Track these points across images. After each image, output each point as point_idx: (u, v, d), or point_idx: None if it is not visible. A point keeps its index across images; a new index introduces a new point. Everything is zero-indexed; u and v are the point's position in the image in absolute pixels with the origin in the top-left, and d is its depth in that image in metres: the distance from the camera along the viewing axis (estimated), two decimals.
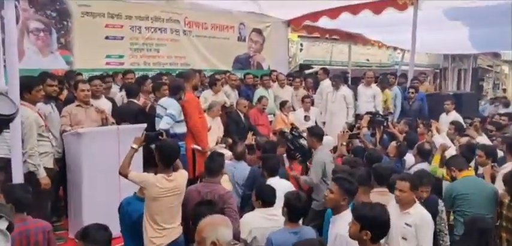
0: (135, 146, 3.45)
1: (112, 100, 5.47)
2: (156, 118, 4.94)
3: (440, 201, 3.85)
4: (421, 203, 3.61)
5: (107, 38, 7.01)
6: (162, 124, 4.73)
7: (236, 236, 3.26)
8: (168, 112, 4.82)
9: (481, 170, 4.72)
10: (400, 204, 3.40)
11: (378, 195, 3.79)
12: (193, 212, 3.09)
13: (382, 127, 6.50)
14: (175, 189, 3.30)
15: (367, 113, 6.60)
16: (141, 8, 7.38)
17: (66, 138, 4.45)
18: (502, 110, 10.61)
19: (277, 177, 4.10)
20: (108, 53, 7.05)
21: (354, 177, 3.49)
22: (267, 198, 3.43)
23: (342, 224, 2.93)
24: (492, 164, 4.61)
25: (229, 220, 2.37)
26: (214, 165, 3.60)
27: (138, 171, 3.47)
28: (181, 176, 3.42)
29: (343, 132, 5.46)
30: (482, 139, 5.64)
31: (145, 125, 4.37)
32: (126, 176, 3.28)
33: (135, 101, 5.32)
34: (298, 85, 8.34)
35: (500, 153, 4.88)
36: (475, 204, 3.91)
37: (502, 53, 24.82)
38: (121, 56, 7.21)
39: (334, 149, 5.62)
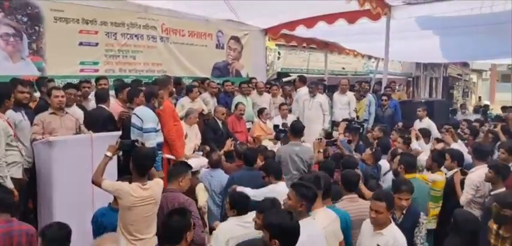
0: (109, 154, 3.39)
1: (83, 108, 5.33)
2: (132, 127, 4.78)
3: (422, 213, 3.74)
4: (402, 213, 3.63)
5: (80, 44, 6.84)
6: (149, 143, 4.51)
7: (200, 242, 3.30)
8: (148, 127, 4.66)
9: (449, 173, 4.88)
10: (375, 224, 3.29)
11: (348, 201, 3.84)
12: (163, 223, 3.04)
13: (358, 134, 6.64)
14: (150, 198, 3.24)
15: (344, 120, 6.72)
16: (116, 14, 7.26)
17: (36, 147, 4.30)
18: (473, 116, 11.03)
19: (283, 183, 4.07)
20: (82, 59, 6.89)
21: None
22: (241, 206, 3.41)
23: (302, 233, 2.86)
24: (458, 168, 4.80)
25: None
26: (175, 171, 3.61)
27: (112, 180, 3.40)
28: (157, 184, 3.37)
29: (320, 139, 5.52)
30: (457, 145, 5.80)
31: (119, 133, 4.30)
32: (99, 185, 3.21)
33: (105, 106, 5.20)
34: (276, 92, 8.41)
35: None
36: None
37: (471, 63, 25.80)
38: (95, 63, 7.05)
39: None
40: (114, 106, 5.37)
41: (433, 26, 8.98)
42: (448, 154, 4.95)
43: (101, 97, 5.27)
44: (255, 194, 3.89)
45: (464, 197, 4.48)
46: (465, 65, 25.91)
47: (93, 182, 3.26)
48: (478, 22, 7.97)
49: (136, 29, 7.59)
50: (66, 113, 4.63)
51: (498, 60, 18.65)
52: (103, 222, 3.39)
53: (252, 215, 3.30)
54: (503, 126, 6.37)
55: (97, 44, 7.06)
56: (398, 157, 4.71)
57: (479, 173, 4.45)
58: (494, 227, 3.37)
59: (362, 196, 4.12)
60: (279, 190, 3.78)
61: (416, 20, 8.45)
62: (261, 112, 7.35)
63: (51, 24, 6.43)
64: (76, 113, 4.94)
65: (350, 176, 4.02)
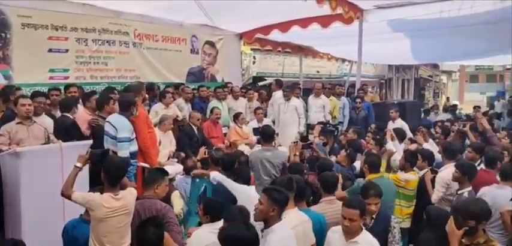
0: (79, 164, 3.30)
1: (53, 117, 5.17)
2: (105, 136, 4.64)
3: (393, 217, 3.76)
4: (372, 218, 3.60)
5: (50, 50, 6.64)
6: (122, 153, 4.44)
7: None
8: (122, 136, 4.53)
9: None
10: (347, 233, 3.14)
11: (326, 203, 3.87)
12: (138, 235, 2.99)
13: (333, 136, 6.72)
14: (123, 208, 3.18)
15: (319, 123, 6.78)
16: (87, 19, 7.09)
17: (2, 158, 4.08)
18: (444, 116, 11.36)
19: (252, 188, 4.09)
20: (52, 66, 6.69)
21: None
22: (214, 213, 3.36)
23: (273, 238, 2.90)
24: (429, 167, 4.93)
25: None
26: (150, 178, 3.57)
27: (83, 191, 3.32)
28: (130, 194, 3.30)
29: (296, 142, 5.55)
30: (428, 145, 5.95)
31: (90, 142, 4.19)
32: (69, 198, 3.12)
33: (69, 115, 5.05)
34: (252, 97, 8.42)
35: None
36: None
37: (440, 64, 26.60)
38: (66, 70, 6.86)
39: (288, 159, 5.71)
40: (82, 115, 5.20)
41: (404, 29, 9.23)
42: (419, 154, 5.08)
43: (64, 105, 5.14)
44: (233, 187, 3.96)
45: (435, 195, 4.60)
46: (435, 66, 26.72)
47: (62, 195, 3.17)
48: (447, 24, 8.25)
49: (108, 35, 7.44)
50: (34, 122, 4.48)
51: (466, 61, 19.32)
52: (74, 235, 3.28)
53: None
54: (471, 125, 6.57)
55: (67, 51, 6.87)
56: (363, 157, 4.81)
57: (448, 171, 4.56)
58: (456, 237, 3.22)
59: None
60: (250, 193, 3.80)
61: (388, 23, 8.68)
62: (237, 117, 7.33)
63: (18, 31, 6.22)
64: (45, 122, 4.78)
65: (329, 178, 4.06)
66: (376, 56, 14.17)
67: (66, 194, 3.14)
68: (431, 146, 5.95)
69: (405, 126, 7.46)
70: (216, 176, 4.19)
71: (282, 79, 10.80)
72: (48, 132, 4.51)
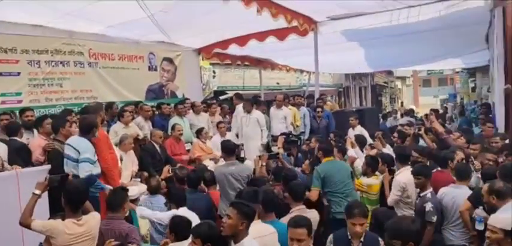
0: (37, 191, 3.20)
1: (7, 142, 4.95)
2: (66, 160, 4.47)
3: (380, 239, 3.37)
4: (360, 241, 3.33)
5: (0, 74, 6.39)
6: (82, 173, 4.29)
7: None
8: (84, 157, 4.37)
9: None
10: None
11: (297, 212, 3.95)
12: None
13: (296, 146, 6.86)
14: (86, 234, 3.12)
15: (282, 134, 6.89)
16: (39, 40, 6.86)
17: None
18: (402, 120, 11.85)
19: (185, 208, 4.05)
20: (3, 90, 6.41)
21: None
22: (181, 232, 3.35)
23: None
24: (389, 169, 5.13)
25: None
26: (115, 200, 3.49)
27: (43, 219, 3.21)
28: (93, 218, 3.24)
29: (261, 155, 5.62)
30: (386, 150, 6.16)
31: (48, 167, 4.06)
32: (28, 227, 3.02)
33: (17, 138, 4.92)
34: (214, 111, 8.44)
35: None
36: (337, 180, 4.72)
37: (394, 71, 27.81)
38: (18, 94, 6.60)
39: (253, 172, 5.77)
40: (37, 141, 5.03)
41: (357, 38, 9.55)
42: (380, 158, 5.30)
43: (10, 129, 5.01)
44: (160, 218, 3.96)
45: (390, 198, 4.79)
46: (390, 73, 27.91)
47: (21, 224, 3.05)
48: (398, 32, 8.65)
49: (62, 56, 7.24)
50: None
51: (418, 66, 20.21)
52: None
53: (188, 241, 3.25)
54: (426, 128, 6.85)
55: (19, 74, 6.63)
56: (316, 146, 5.16)
57: (404, 174, 4.76)
58: None
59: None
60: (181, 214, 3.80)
61: (342, 33, 8.97)
62: (200, 132, 7.32)
63: None
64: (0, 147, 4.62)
65: (296, 187, 4.17)
66: (332, 66, 14.63)
67: (25, 224, 3.03)
68: (389, 150, 6.16)
69: (365, 133, 7.69)
70: (142, 211, 4.16)
71: (243, 92, 10.89)
72: (2, 160, 4.32)
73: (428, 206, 4.07)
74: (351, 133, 7.57)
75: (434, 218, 4.05)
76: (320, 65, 9.25)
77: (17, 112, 5.94)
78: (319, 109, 8.70)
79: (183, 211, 3.94)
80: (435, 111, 13.23)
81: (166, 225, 3.73)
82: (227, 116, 8.69)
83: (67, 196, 3.15)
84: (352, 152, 5.94)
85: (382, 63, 15.35)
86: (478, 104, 14.84)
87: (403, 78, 38.16)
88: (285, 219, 3.90)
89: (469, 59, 13.73)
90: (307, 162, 5.79)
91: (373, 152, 6.14)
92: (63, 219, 3.09)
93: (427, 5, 7.48)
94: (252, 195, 3.51)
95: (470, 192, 4.13)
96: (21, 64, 6.66)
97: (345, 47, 10.08)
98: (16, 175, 3.97)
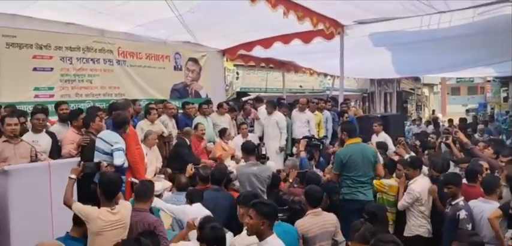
0: (73, 176, 3.45)
1: (52, 135, 5.23)
2: (96, 152, 4.68)
3: None
4: None
5: (34, 69, 6.67)
6: (118, 160, 4.54)
7: None
8: (117, 147, 4.60)
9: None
10: None
11: (313, 216, 4.02)
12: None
13: (318, 150, 6.83)
14: (119, 222, 3.29)
15: (304, 137, 6.88)
16: (71, 38, 7.13)
17: None
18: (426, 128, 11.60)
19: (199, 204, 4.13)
20: (37, 85, 6.70)
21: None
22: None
23: None
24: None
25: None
26: (144, 191, 3.64)
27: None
28: (125, 207, 3.41)
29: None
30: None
31: (78, 159, 4.23)
32: (70, 206, 3.25)
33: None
34: (223, 112, 8.44)
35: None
36: (359, 166, 4.70)
37: (422, 77, 27.21)
38: (51, 88, 6.88)
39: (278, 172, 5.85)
40: (70, 135, 5.25)
41: (385, 43, 9.38)
42: (408, 162, 5.16)
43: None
44: (171, 210, 4.10)
45: (401, 203, 4.78)
46: (417, 79, 27.33)
47: (64, 203, 3.31)
48: (428, 37, 8.43)
49: (93, 53, 7.49)
50: (21, 140, 4.51)
51: (447, 74, 19.72)
52: None
53: None
54: (454, 138, 6.70)
55: (52, 69, 6.90)
56: (340, 127, 5.22)
57: (418, 183, 4.72)
58: None
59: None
60: (191, 210, 3.89)
61: (369, 37, 8.83)
62: (223, 132, 7.41)
63: (3, 50, 6.23)
64: (44, 139, 4.98)
65: (314, 192, 4.19)
66: (358, 70, 14.45)
67: (67, 204, 3.29)
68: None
69: (388, 140, 7.62)
70: (156, 203, 4.25)
71: (265, 94, 10.95)
72: (35, 151, 4.53)
73: (462, 214, 4.01)
74: (375, 139, 7.51)
75: (470, 226, 3.98)
76: (345, 69, 9.16)
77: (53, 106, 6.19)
78: (346, 115, 8.62)
79: (197, 207, 4.01)
80: (463, 120, 12.95)
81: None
82: (249, 118, 8.74)
83: (102, 186, 3.34)
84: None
85: (409, 69, 15.01)
86: (510, 115, 14.39)
87: (430, 86, 37.24)
88: (300, 222, 3.98)
89: (502, 68, 13.24)
90: (329, 166, 5.78)
91: (396, 158, 6.07)
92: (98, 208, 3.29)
93: (460, 11, 7.25)
94: (250, 198, 3.57)
95: None
96: (55, 60, 6.92)
97: (372, 51, 9.93)
98: (48, 166, 4.16)
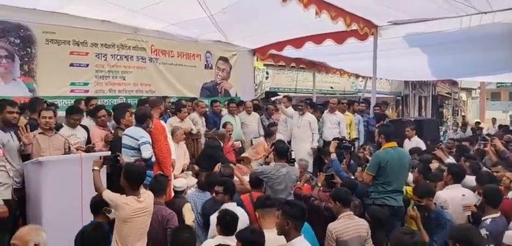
0: (96, 167, 3.63)
1: (86, 128, 5.41)
2: (123, 149, 4.78)
3: None
4: None
5: (71, 65, 6.91)
6: (146, 153, 4.63)
7: None
8: (143, 141, 4.69)
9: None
10: None
11: (347, 218, 3.94)
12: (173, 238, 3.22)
13: (349, 152, 6.66)
14: (145, 209, 3.42)
15: (334, 139, 6.72)
16: (107, 35, 7.35)
17: (26, 167, 4.36)
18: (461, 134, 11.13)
19: (234, 204, 4.10)
20: (73, 80, 6.95)
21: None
22: (227, 226, 3.44)
23: None
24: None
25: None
26: (158, 186, 3.83)
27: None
28: (149, 196, 3.55)
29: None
30: (449, 160, 5.78)
31: (108, 153, 4.37)
32: (101, 194, 3.43)
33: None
34: (273, 111, 8.45)
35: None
36: (394, 173, 4.52)
37: (459, 81, 26.19)
38: (86, 84, 7.11)
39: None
40: (96, 131, 5.39)
41: (421, 44, 9.08)
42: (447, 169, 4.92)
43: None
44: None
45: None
46: (454, 83, 26.33)
47: (96, 190, 3.51)
48: (467, 38, 8.07)
49: (126, 50, 7.69)
50: (55, 133, 4.68)
51: (486, 78, 18.86)
52: None
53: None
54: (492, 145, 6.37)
55: (87, 65, 7.13)
56: (377, 130, 5.03)
57: (446, 191, 4.49)
58: None
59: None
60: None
61: (404, 38, 8.58)
62: (269, 134, 7.44)
63: (42, 46, 6.50)
64: (80, 132, 5.21)
65: (344, 193, 4.13)
66: (391, 72, 14.09)
67: (99, 192, 3.48)
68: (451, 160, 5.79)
69: (421, 144, 7.37)
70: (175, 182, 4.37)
71: (294, 94, 10.85)
72: (69, 143, 4.69)
73: (483, 232, 3.69)
74: (407, 144, 7.28)
75: None
76: (378, 70, 8.93)
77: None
78: (386, 118, 8.37)
79: (231, 206, 4.01)
80: (503, 127, 12.34)
81: None
82: (272, 117, 8.69)
83: (126, 177, 3.46)
84: None
85: (446, 72, 14.45)
86: None
87: (468, 90, 35.78)
88: (334, 224, 3.90)
89: None
90: (359, 169, 5.64)
91: (436, 164, 5.81)
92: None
93: (503, 12, 6.78)
94: (264, 202, 3.60)
95: None
96: (90, 56, 7.16)
97: (406, 52, 9.63)
98: (80, 158, 4.32)
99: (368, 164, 4.84)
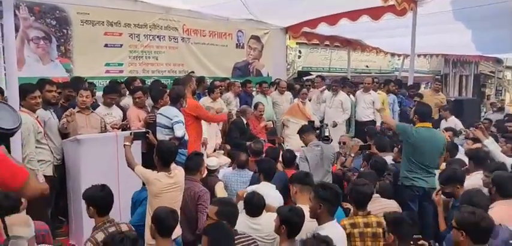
0: (127, 143, 3.79)
1: (122, 108, 5.56)
2: (158, 127, 4.90)
3: None
4: None
5: (106, 45, 7.02)
6: (179, 132, 4.74)
7: None
8: (177, 120, 4.79)
9: None
10: None
11: (377, 204, 3.76)
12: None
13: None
14: (176, 185, 3.51)
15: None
16: (139, 16, 7.39)
17: (65, 145, 4.53)
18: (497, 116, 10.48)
19: (271, 185, 4.00)
20: (107, 60, 7.07)
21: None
22: (252, 207, 3.38)
23: None
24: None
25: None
26: (191, 164, 3.89)
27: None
28: (180, 172, 3.62)
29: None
30: (490, 142, 5.17)
31: (144, 130, 4.47)
32: (133, 169, 3.57)
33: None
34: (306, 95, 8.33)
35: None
36: (426, 154, 4.42)
37: (504, 59, 24.79)
38: (120, 64, 7.22)
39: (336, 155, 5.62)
40: (132, 111, 5.46)
41: (463, 18, 8.58)
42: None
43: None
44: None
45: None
46: (498, 61, 24.96)
47: (128, 166, 3.64)
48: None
49: (158, 30, 7.72)
50: (92, 112, 4.82)
51: None
52: (140, 198, 3.85)
53: (265, 217, 3.32)
54: None
55: (121, 46, 7.22)
56: (413, 109, 4.88)
57: (472, 180, 4.13)
58: None
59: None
60: (261, 191, 3.68)
61: (444, 13, 8.14)
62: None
63: (78, 27, 6.62)
64: (116, 112, 5.37)
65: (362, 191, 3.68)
66: (430, 48, 13.42)
67: (131, 167, 3.61)
68: (492, 143, 5.40)
69: (459, 124, 7.14)
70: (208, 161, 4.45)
71: (328, 74, 10.63)
72: (104, 122, 4.82)
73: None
74: (444, 125, 7.01)
75: None
76: (416, 47, 8.55)
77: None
78: (417, 99, 8.02)
79: (264, 186, 3.96)
80: None
81: None
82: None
83: (158, 154, 3.56)
84: None
85: (492, 48, 13.61)
86: None
87: None
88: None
89: None
90: (396, 149, 5.45)
91: (475, 145, 5.47)
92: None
93: None
94: (302, 177, 3.56)
95: None
96: (124, 37, 7.23)
97: (447, 28, 9.15)
98: (115, 137, 4.43)
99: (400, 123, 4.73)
